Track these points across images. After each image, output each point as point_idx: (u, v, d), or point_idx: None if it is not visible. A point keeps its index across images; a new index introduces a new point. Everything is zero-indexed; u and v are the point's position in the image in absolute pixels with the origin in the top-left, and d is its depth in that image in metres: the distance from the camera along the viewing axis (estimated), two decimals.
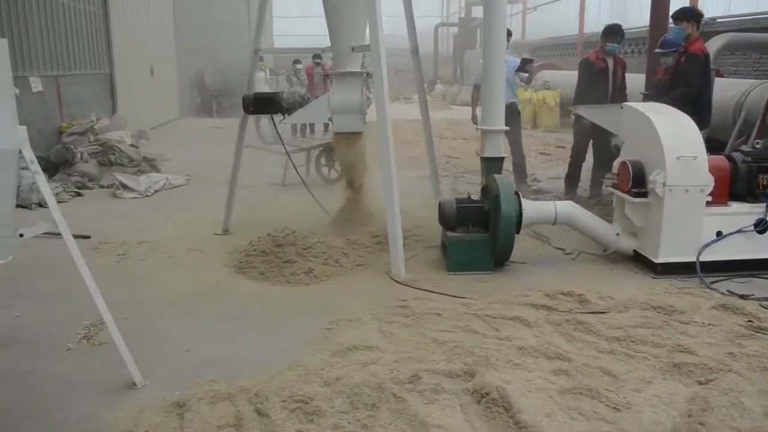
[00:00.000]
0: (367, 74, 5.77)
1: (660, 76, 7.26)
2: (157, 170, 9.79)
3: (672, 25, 6.94)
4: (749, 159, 5.15)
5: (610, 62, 7.26)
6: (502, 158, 5.39)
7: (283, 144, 6.55)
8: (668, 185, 4.84)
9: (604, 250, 5.46)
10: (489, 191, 5.18)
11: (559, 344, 3.77)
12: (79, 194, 8.45)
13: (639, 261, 5.25)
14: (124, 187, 8.37)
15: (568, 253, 5.64)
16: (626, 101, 7.25)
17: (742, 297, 4.48)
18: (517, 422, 2.89)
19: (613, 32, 7.28)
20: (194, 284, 4.97)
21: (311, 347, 3.81)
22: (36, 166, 3.14)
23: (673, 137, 4.93)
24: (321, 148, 8.98)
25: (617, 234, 5.29)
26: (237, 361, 3.65)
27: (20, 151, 3.04)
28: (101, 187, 8.93)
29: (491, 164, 5.36)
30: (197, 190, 8.76)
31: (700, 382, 3.31)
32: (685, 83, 6.12)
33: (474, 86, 8.14)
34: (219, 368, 3.55)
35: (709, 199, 4.94)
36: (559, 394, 3.19)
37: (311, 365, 3.48)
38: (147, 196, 8.33)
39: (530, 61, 8.08)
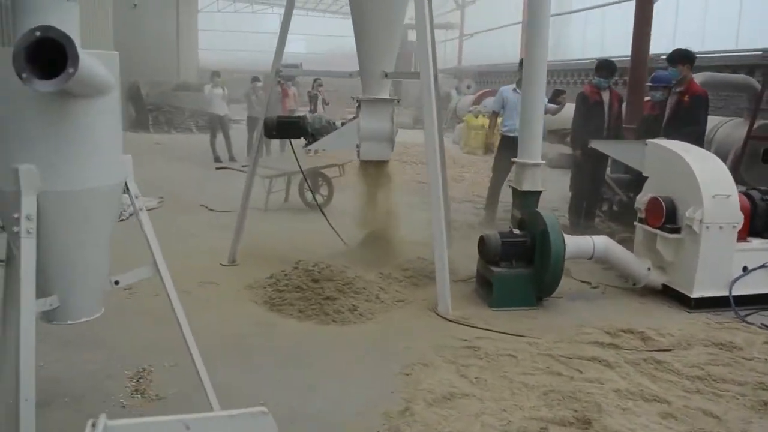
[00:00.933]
0: (398, 101, 5.64)
1: (647, 111, 7.58)
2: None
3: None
4: (767, 197, 5.43)
5: (605, 96, 7.50)
6: (540, 192, 5.39)
7: (300, 167, 6.25)
8: (705, 222, 5.00)
9: (633, 284, 5.56)
10: (531, 225, 5.15)
11: (647, 385, 3.76)
12: None
13: (668, 295, 5.38)
14: None
15: (594, 287, 5.71)
16: (622, 134, 7.55)
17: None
18: None
19: (600, 67, 7.55)
20: (230, 324, 4.59)
21: (398, 395, 3.58)
22: (141, 202, 2.77)
23: (707, 175, 5.12)
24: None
25: (648, 269, 5.40)
26: (328, 416, 3.37)
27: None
28: None
29: (529, 198, 5.35)
30: (173, 214, 8.18)
31: None
32: (693, 122, 6.41)
33: (492, 112, 8.23)
34: (314, 425, 3.26)
35: None
36: None
37: (424, 419, 3.26)
38: (122, 219, 7.69)
39: (562, 92, 8.13)
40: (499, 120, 8.10)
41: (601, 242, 5.31)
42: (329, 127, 5.60)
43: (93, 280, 2.54)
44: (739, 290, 5.16)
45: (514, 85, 7.84)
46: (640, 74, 8.68)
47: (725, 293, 5.12)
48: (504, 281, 5.03)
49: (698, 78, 8.24)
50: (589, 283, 5.79)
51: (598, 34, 17.40)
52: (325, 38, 36.15)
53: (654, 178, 5.62)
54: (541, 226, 4.99)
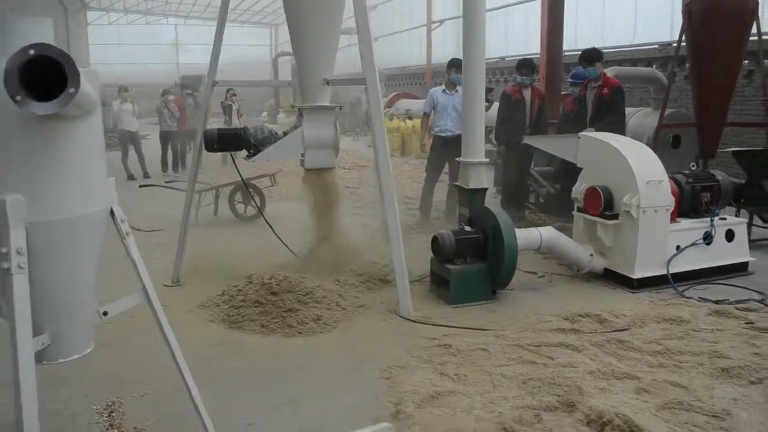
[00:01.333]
0: (340, 108, 5.62)
1: (568, 107, 7.99)
2: None
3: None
4: (691, 180, 5.85)
5: (527, 94, 7.81)
6: (486, 189, 5.54)
7: (243, 180, 6.08)
8: (642, 207, 5.33)
9: (577, 270, 5.82)
10: (482, 221, 5.29)
11: (615, 364, 3.95)
12: None
13: (610, 278, 5.67)
14: None
15: (541, 276, 5.93)
16: (546, 129, 7.90)
17: (717, 302, 5.06)
18: None
19: (521, 66, 7.87)
20: (193, 346, 4.37)
21: (384, 400, 3.57)
22: (126, 226, 2.61)
23: (640, 164, 5.46)
24: (233, 186, 8.49)
25: (591, 255, 5.68)
26: (322, 428, 3.32)
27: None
28: None
29: (476, 195, 5.49)
30: None
31: (753, 382, 3.69)
32: (616, 112, 6.84)
33: (423, 114, 8.31)
34: None
35: None
36: (660, 411, 3.36)
37: (419, 420, 3.27)
38: None
39: (490, 90, 8.32)
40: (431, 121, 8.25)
41: (547, 233, 5.53)
42: (272, 138, 5.49)
43: (84, 313, 2.37)
44: (674, 268, 5.52)
45: (443, 87, 8.02)
46: (556, 71, 9.11)
47: (663, 272, 5.47)
48: (461, 278, 5.12)
49: (610, 72, 8.77)
50: (535, 273, 6.01)
51: (501, 34, 18.07)
52: (229, 47, 35.26)
53: (588, 168, 5.91)
54: (492, 222, 5.13)
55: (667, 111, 8.47)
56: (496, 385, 3.71)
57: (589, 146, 5.90)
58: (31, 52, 1.81)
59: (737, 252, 5.85)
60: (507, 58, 17.34)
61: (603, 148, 5.73)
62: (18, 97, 1.81)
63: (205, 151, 5.45)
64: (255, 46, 38.45)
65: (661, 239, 5.49)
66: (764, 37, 7.79)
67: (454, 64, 7.63)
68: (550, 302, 5.19)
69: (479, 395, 3.58)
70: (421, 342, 4.39)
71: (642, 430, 3.09)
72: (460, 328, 4.64)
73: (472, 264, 5.19)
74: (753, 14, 7.42)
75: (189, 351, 4.21)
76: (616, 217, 5.51)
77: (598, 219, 5.61)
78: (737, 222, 5.91)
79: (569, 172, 6.97)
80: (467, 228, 5.33)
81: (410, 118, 16.77)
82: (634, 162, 5.43)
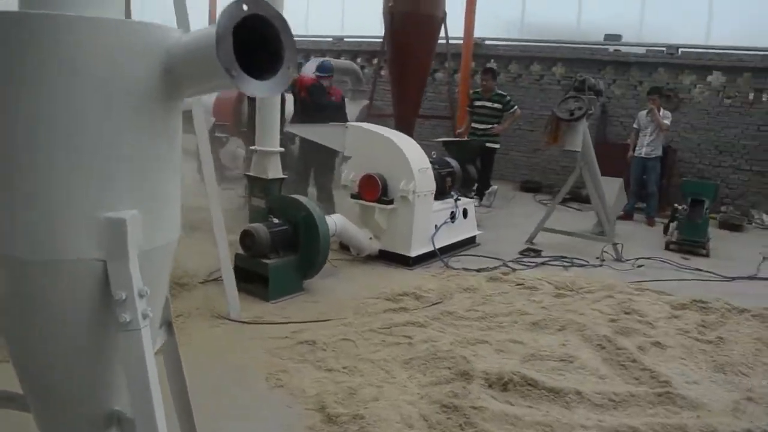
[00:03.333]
0: None
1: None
2: None
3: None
4: (437, 167, 6.72)
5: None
6: (284, 178, 5.39)
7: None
8: (417, 192, 5.93)
9: (357, 254, 6.13)
10: (287, 211, 5.13)
11: (462, 333, 4.41)
12: None
13: (385, 258, 6.14)
14: None
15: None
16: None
17: (479, 271, 6.01)
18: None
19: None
20: None
21: (299, 408, 3.33)
22: None
23: (412, 152, 6.04)
24: None
25: (370, 238, 6.05)
26: None
27: None
28: None
29: (275, 185, 5.30)
30: None
31: (559, 329, 4.58)
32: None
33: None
34: None
35: None
36: (525, 364, 3.94)
37: (366, 416, 3.14)
38: None
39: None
40: None
41: (339, 220, 5.69)
42: None
43: None
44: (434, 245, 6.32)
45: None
46: None
47: (429, 249, 6.21)
48: (278, 272, 4.92)
49: (312, 63, 9.26)
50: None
51: None
52: None
53: (357, 157, 6.26)
54: (302, 212, 5.05)
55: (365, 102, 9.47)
56: (387, 371, 3.78)
57: (359, 136, 6.24)
58: (245, 7, 1.25)
59: (470, 227, 6.99)
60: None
61: (374, 138, 6.14)
62: (234, 72, 1.23)
63: None
64: None
65: (428, 220, 6.21)
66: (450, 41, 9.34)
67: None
68: (353, 286, 5.38)
69: (384, 383, 3.60)
70: (278, 342, 4.12)
71: (537, 381, 3.61)
72: (307, 322, 4.49)
73: (285, 257, 5.02)
74: (442, 21, 8.85)
75: None
76: (391, 202, 6.00)
77: (376, 204, 6.01)
78: (468, 202, 7.04)
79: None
80: (275, 220, 5.11)
81: None
82: (407, 151, 5.99)
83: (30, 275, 1.42)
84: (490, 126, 8.93)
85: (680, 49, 10.01)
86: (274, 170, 5.29)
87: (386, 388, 3.54)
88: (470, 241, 6.98)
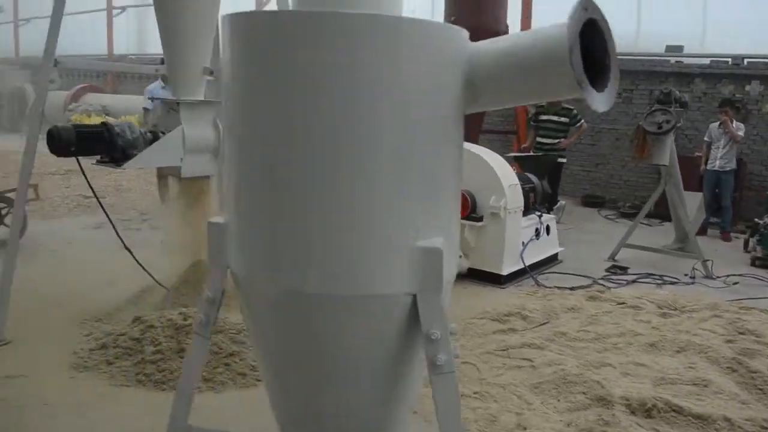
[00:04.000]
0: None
1: None
2: None
3: None
4: (520, 182, 6.60)
5: None
6: None
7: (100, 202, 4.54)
8: (508, 208, 5.82)
9: None
10: None
11: (582, 356, 4.26)
12: None
13: (474, 276, 6.01)
14: None
15: None
16: None
17: (572, 289, 5.86)
18: None
19: None
20: (129, 422, 3.19)
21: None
22: None
23: (501, 169, 5.95)
24: None
25: (460, 256, 5.94)
26: None
27: None
28: None
29: None
30: None
31: (677, 351, 4.42)
32: None
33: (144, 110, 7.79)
34: None
35: None
36: (657, 388, 3.78)
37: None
38: None
39: None
40: None
41: None
42: (143, 139, 4.25)
43: None
44: (521, 263, 6.19)
45: (160, 82, 7.75)
46: None
47: (519, 267, 6.08)
48: None
49: None
50: None
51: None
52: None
53: None
54: None
55: None
56: (519, 396, 3.66)
57: None
58: (586, 10, 1.17)
59: (553, 244, 6.85)
60: None
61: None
62: (583, 82, 1.15)
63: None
64: None
65: (517, 237, 6.08)
66: None
67: None
68: (453, 305, 5.25)
69: (523, 410, 3.49)
70: None
71: (681, 407, 3.46)
72: None
73: None
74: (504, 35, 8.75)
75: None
76: (481, 219, 5.90)
77: (465, 222, 5.90)
78: (550, 218, 6.91)
79: None
80: None
81: (107, 114, 14.62)
82: (496, 167, 5.90)
83: (331, 312, 1.34)
84: (557, 141, 8.80)
85: (746, 60, 9.79)
86: None
87: (527, 415, 3.42)
88: (553, 258, 6.83)
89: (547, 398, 3.65)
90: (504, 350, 4.28)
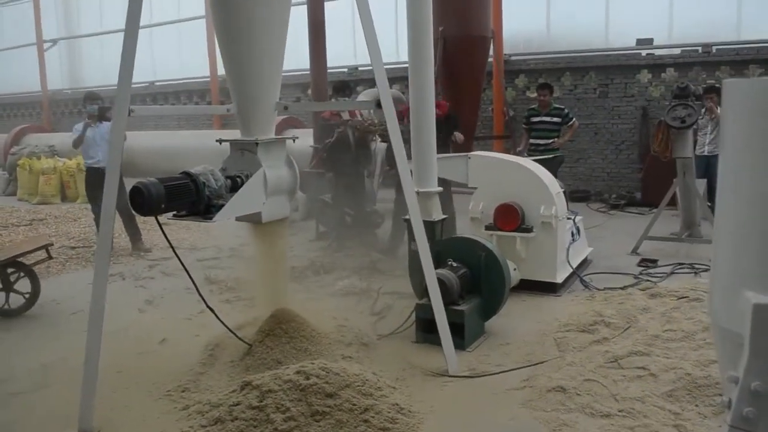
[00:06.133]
0: (294, 139, 4.50)
1: None
2: None
3: None
4: None
5: (346, 116, 7.55)
6: (446, 217, 5.24)
7: (181, 260, 4.18)
8: (558, 217, 5.85)
9: None
10: (461, 253, 4.93)
11: (688, 356, 4.30)
12: None
13: (526, 287, 5.98)
14: None
15: None
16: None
17: (623, 288, 5.94)
18: None
19: (338, 88, 7.69)
20: None
21: None
22: None
23: (545, 178, 5.97)
24: None
25: (514, 269, 5.92)
26: None
27: None
28: None
29: (437, 226, 5.14)
30: None
31: None
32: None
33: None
34: None
35: None
36: None
37: None
38: None
39: (108, 108, 7.71)
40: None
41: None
42: (224, 186, 3.97)
43: None
44: (567, 268, 6.23)
45: (87, 120, 7.78)
46: (323, 89, 9.06)
47: (568, 272, 6.12)
48: (471, 318, 4.74)
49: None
50: None
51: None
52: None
53: (485, 187, 6.12)
54: (482, 252, 4.88)
55: None
56: (662, 408, 3.66)
57: (484, 165, 6.12)
58: None
59: (585, 245, 6.94)
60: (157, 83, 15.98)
61: (503, 166, 6.04)
62: None
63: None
64: None
65: (566, 243, 6.13)
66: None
67: (89, 97, 8.10)
68: (524, 321, 5.24)
69: (677, 421, 3.49)
70: (522, 394, 3.95)
71: None
72: (528, 366, 4.33)
73: (471, 301, 4.84)
74: (490, 41, 8.91)
75: None
76: (531, 230, 5.90)
77: (516, 234, 5.88)
78: (579, 219, 6.99)
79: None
80: (453, 263, 4.91)
81: (55, 154, 13.78)
82: (542, 176, 5.92)
83: None
84: (550, 141, 8.96)
85: (714, 47, 10.30)
86: (437, 211, 5.11)
87: (688, 426, 3.42)
88: (587, 260, 6.93)
89: (686, 405, 3.67)
90: (614, 361, 4.28)
